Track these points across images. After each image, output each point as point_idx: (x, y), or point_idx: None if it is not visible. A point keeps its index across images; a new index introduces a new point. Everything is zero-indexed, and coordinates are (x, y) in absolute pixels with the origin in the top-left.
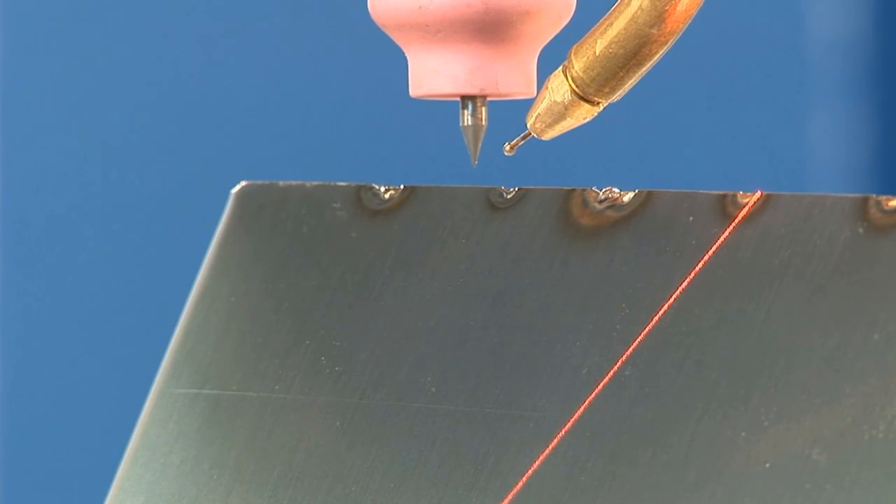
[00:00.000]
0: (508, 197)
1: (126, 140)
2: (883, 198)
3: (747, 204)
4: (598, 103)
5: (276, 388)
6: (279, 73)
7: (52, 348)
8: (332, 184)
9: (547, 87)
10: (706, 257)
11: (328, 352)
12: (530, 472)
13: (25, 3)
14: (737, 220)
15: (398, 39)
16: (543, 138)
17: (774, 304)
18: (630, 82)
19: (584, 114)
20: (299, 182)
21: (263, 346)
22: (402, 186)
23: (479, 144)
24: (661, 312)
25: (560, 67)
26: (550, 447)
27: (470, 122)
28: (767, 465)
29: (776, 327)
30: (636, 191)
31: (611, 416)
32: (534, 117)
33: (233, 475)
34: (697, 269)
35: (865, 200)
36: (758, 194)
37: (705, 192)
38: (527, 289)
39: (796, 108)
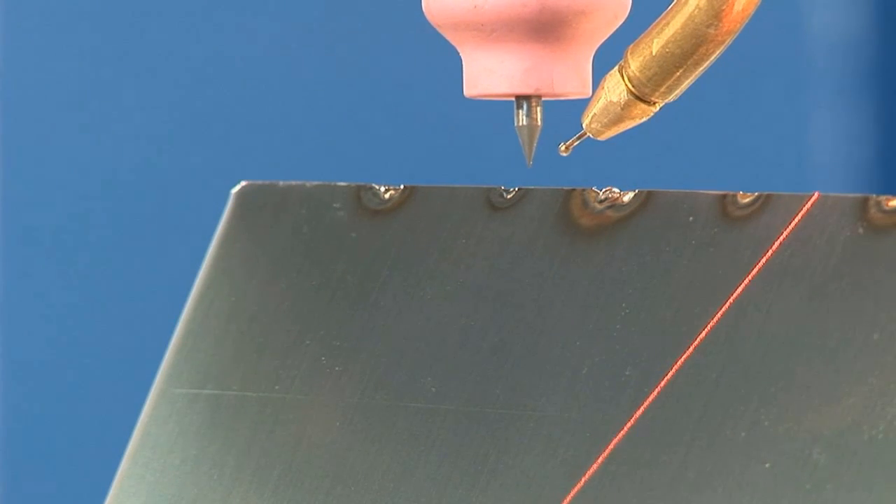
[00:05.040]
0: (508, 197)
1: (126, 140)
2: (883, 198)
3: (804, 206)
4: (655, 103)
5: (276, 388)
6: (279, 73)
7: (53, 348)
8: (332, 184)
9: (603, 87)
10: (761, 262)
11: (328, 352)
12: (584, 479)
13: (25, 3)
14: (795, 222)
15: (453, 39)
16: (599, 139)
17: (774, 304)
18: (687, 82)
19: (641, 114)
20: (299, 182)
21: (263, 346)
22: (402, 186)
23: (534, 144)
24: (712, 322)
25: (616, 67)
26: (608, 450)
27: (525, 122)
28: (767, 465)
29: (776, 327)
30: (636, 191)
31: (610, 416)
32: (590, 117)
33: (233, 475)
34: (760, 265)
35: (865, 200)
36: (815, 195)
37: (705, 192)
38: (527, 289)
39: (796, 108)
